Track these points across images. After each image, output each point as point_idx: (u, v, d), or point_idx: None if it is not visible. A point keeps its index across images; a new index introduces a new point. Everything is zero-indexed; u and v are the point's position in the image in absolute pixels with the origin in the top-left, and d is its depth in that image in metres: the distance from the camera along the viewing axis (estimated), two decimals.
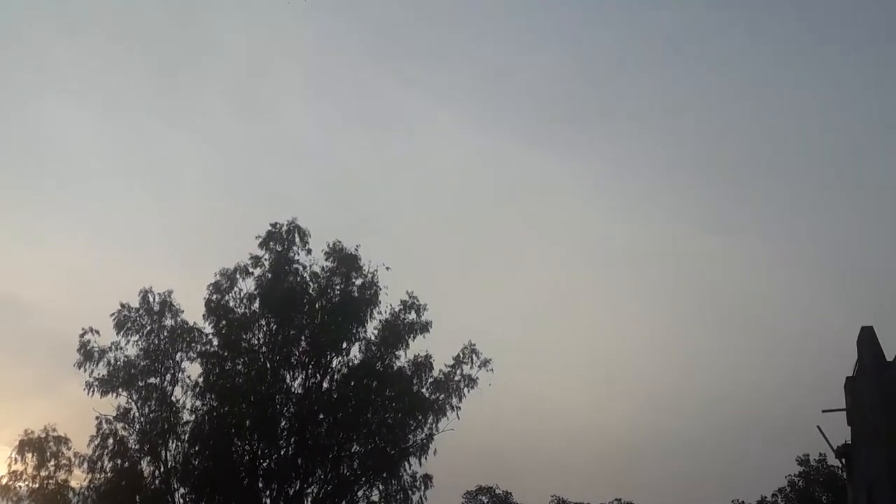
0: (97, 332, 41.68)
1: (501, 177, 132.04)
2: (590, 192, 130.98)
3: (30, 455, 41.00)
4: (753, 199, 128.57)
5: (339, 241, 43.46)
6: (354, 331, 42.96)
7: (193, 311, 42.85)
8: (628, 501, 67.28)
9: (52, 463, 41.23)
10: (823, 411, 37.51)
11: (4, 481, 40.92)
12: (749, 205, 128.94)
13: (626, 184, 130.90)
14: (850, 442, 35.91)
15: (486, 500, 47.67)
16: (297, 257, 43.10)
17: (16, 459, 41.00)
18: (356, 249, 43.51)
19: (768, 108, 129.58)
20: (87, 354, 41.27)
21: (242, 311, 42.73)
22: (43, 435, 41.32)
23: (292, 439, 41.99)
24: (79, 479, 41.55)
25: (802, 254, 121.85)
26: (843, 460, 37.27)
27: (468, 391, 42.43)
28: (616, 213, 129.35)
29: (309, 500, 41.83)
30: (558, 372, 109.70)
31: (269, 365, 42.53)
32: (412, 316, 42.99)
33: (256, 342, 42.77)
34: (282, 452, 41.94)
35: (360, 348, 43.09)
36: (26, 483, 40.94)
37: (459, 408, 42.31)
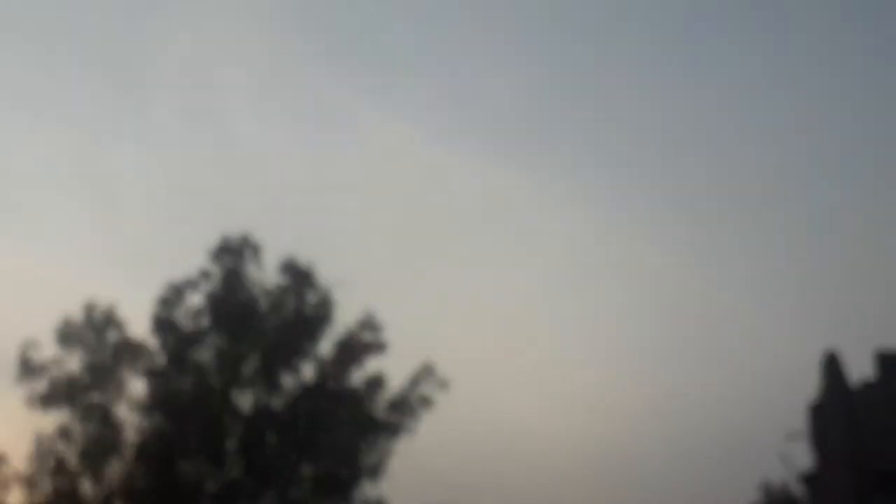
0: (39, 346, 40.22)
1: (461, 190, 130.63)
2: (553, 208, 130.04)
3: None
4: (725, 217, 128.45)
5: (293, 256, 42.26)
6: (307, 349, 41.77)
7: (140, 326, 41.50)
8: None
9: None
10: (786, 437, 36.89)
11: None
12: (719, 222, 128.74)
13: (590, 201, 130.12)
14: (813, 468, 35.29)
15: None
16: (248, 272, 41.82)
17: None
18: (311, 265, 42.33)
19: (745, 123, 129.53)
20: (27, 369, 39.79)
21: (191, 326, 41.41)
22: None
23: (241, 461, 40.63)
24: (17, 497, 40.09)
25: (764, 274, 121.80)
26: (807, 487, 36.64)
27: (425, 412, 41.34)
28: (580, 230, 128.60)
29: None
30: (522, 392, 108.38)
31: (217, 383, 41.14)
32: (369, 335, 41.84)
33: (205, 359, 41.40)
34: (229, 474, 40.54)
35: (313, 367, 41.88)
36: None
37: (415, 429, 41.23)
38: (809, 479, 36.92)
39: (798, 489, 45.92)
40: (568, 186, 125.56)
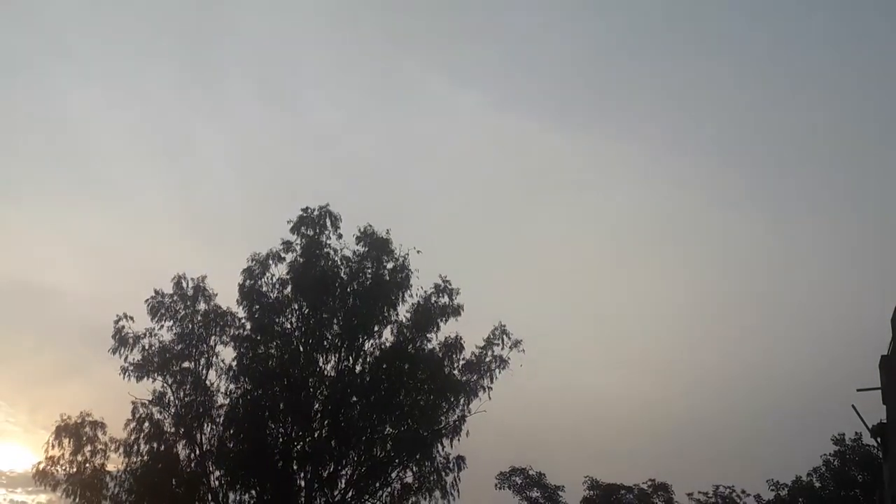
0: (131, 319, 42.18)
1: (528, 157, 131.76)
2: (619, 172, 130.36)
3: (66, 440, 41.40)
4: (789, 176, 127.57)
5: (370, 226, 43.72)
6: (386, 314, 43.18)
7: (226, 297, 43.37)
8: (662, 482, 67.08)
9: (89, 448, 41.60)
10: (858, 390, 37.34)
11: (42, 466, 41.41)
12: (786, 181, 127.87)
13: (656, 164, 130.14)
14: (885, 421, 35.73)
15: (519, 481, 47.78)
16: (328, 242, 43.30)
17: (53, 445, 41.46)
18: (387, 233, 43.80)
19: (808, 83, 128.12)
20: (122, 340, 41.71)
21: (275, 295, 43.02)
22: (79, 420, 41.73)
23: (325, 422, 42.29)
24: (115, 463, 42.06)
25: (838, 230, 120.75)
26: (879, 439, 37.08)
27: (499, 372, 42.64)
28: (646, 193, 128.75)
29: (343, 481, 42.13)
30: (591, 354, 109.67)
31: (301, 348, 42.78)
32: (444, 299, 43.18)
33: (289, 326, 43.06)
34: (315, 435, 42.20)
35: (391, 331, 43.36)
36: (63, 468, 41.41)
37: (491, 388, 42.55)
38: (881, 432, 37.32)
39: (870, 441, 46.35)
40: (632, 150, 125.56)
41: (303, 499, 41.45)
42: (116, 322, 41.87)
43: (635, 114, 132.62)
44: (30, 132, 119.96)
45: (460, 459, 41.75)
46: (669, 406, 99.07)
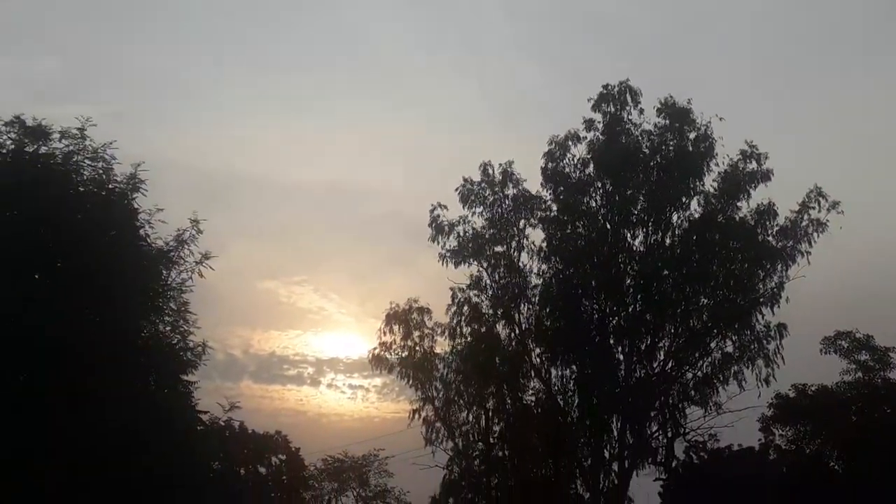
0: (445, 207, 43.56)
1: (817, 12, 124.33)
2: None
3: (397, 327, 43.84)
4: None
5: (671, 97, 42.96)
6: (692, 185, 42.56)
7: (533, 181, 44.02)
8: None
9: (417, 333, 44.01)
10: None
11: (376, 352, 43.99)
12: None
13: None
14: None
15: (845, 345, 46.69)
16: (629, 118, 42.86)
17: (385, 332, 43.97)
18: (688, 103, 42.88)
19: None
20: (438, 228, 43.23)
21: (577, 175, 43.19)
22: (407, 307, 43.95)
23: (639, 296, 42.55)
24: (441, 346, 44.18)
25: None
26: None
27: (817, 236, 41.36)
28: None
29: (661, 353, 42.53)
30: None
31: (608, 226, 42.99)
32: (752, 165, 42.06)
33: (594, 205, 43.26)
34: (629, 310, 42.61)
35: (699, 202, 42.73)
36: (395, 353, 43.88)
37: (809, 253, 41.35)
38: None
39: None
40: None
41: (622, 372, 42.20)
42: (431, 211, 43.53)
43: None
44: (336, 51, 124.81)
45: (782, 327, 41.07)
46: None
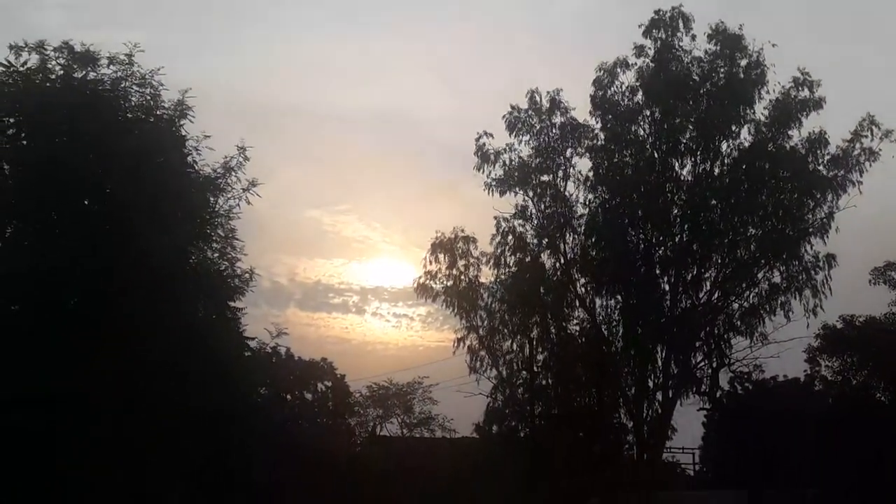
0: (491, 136, 43.21)
1: None
2: None
3: (442, 256, 43.87)
4: None
5: (722, 22, 42.06)
6: (742, 113, 41.84)
7: (581, 109, 43.48)
8: None
9: (462, 262, 43.99)
10: None
11: (421, 281, 44.12)
12: None
13: None
14: None
15: (895, 276, 46.25)
16: (680, 44, 42.06)
17: (430, 261, 44.04)
18: (740, 29, 42.02)
19: None
20: (484, 157, 42.95)
21: (626, 103, 42.64)
22: (452, 236, 43.88)
23: (686, 226, 42.19)
24: (486, 275, 44.15)
25: None
26: None
27: (869, 165, 40.59)
28: None
29: (707, 284, 42.26)
30: None
31: (656, 155, 42.48)
32: (804, 93, 41.22)
33: (642, 133, 42.75)
34: (676, 239, 42.30)
35: (749, 131, 42.12)
36: (440, 282, 43.95)
37: (861, 183, 40.62)
38: None
39: None
40: None
41: (668, 302, 42.02)
42: (477, 139, 43.17)
43: None
44: None
45: (830, 257, 40.63)
46: None
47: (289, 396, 53.14)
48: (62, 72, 25.84)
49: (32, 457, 22.62)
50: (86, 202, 25.98)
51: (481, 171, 42.91)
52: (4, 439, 22.35)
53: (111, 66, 26.25)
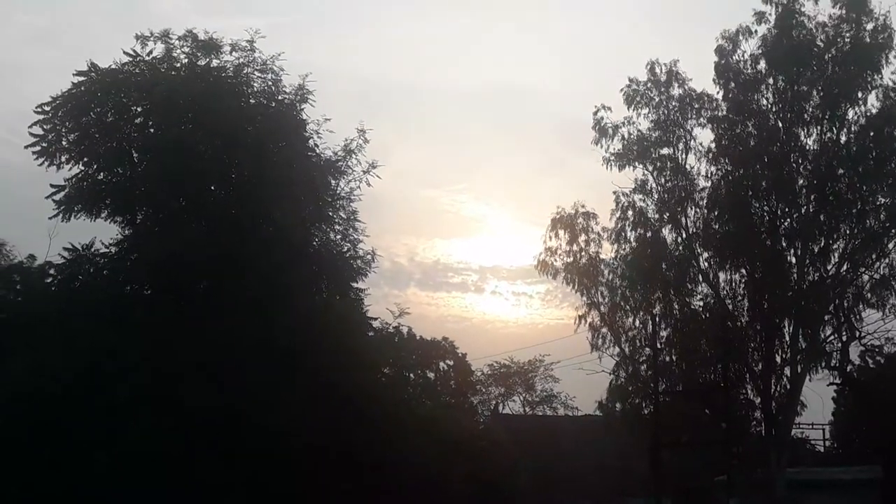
0: (609, 109, 42.81)
1: None
2: None
3: (562, 232, 43.51)
4: None
5: None
6: (869, 79, 40.48)
7: (699, 80, 42.95)
8: None
9: (583, 238, 43.49)
10: None
11: (542, 257, 43.91)
12: None
13: None
14: None
15: None
16: (802, 9, 40.91)
17: (550, 237, 43.75)
18: None
19: None
20: (602, 131, 42.63)
21: (749, 71, 41.69)
22: (572, 212, 43.56)
23: (812, 196, 41.08)
24: (606, 252, 43.73)
25: None
26: None
27: None
28: None
29: (835, 255, 41.10)
30: None
31: (780, 124, 41.48)
32: None
33: (765, 102, 41.81)
34: (802, 211, 41.23)
35: (876, 96, 40.75)
36: (561, 258, 43.67)
37: None
38: None
39: None
40: None
41: (794, 275, 41.04)
42: (595, 113, 42.84)
43: None
44: None
45: None
46: None
47: (412, 375, 53.62)
48: (186, 60, 26.67)
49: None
50: (212, 187, 26.75)
51: (599, 145, 42.70)
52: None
53: (233, 53, 27.07)
